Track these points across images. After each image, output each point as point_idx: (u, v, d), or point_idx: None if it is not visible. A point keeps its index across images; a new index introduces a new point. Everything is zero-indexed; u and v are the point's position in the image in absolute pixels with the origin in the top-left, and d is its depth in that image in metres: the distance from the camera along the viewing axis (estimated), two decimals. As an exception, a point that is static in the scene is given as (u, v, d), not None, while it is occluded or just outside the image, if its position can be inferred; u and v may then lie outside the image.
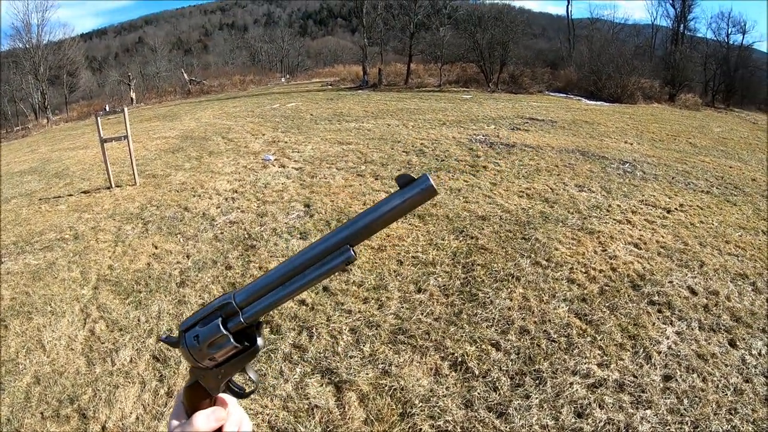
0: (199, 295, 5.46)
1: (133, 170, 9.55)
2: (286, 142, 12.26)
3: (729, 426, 3.35)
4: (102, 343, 4.82)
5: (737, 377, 3.77)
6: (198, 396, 0.82)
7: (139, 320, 5.11)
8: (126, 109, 10.01)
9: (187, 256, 6.37)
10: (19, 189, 10.68)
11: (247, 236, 6.81)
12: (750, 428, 3.35)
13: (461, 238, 6.21)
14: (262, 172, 9.79)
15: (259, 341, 0.79)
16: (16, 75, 34.76)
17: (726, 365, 3.90)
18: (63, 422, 3.95)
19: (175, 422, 0.82)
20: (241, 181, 9.32)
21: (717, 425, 3.35)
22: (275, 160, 10.58)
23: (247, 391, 0.89)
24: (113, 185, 9.41)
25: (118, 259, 6.43)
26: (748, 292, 4.96)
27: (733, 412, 3.46)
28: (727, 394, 3.61)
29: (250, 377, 0.84)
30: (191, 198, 8.48)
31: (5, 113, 35.32)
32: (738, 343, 4.17)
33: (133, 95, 33.49)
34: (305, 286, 0.73)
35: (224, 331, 0.75)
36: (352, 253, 0.70)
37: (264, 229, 7.01)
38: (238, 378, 0.88)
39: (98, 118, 9.71)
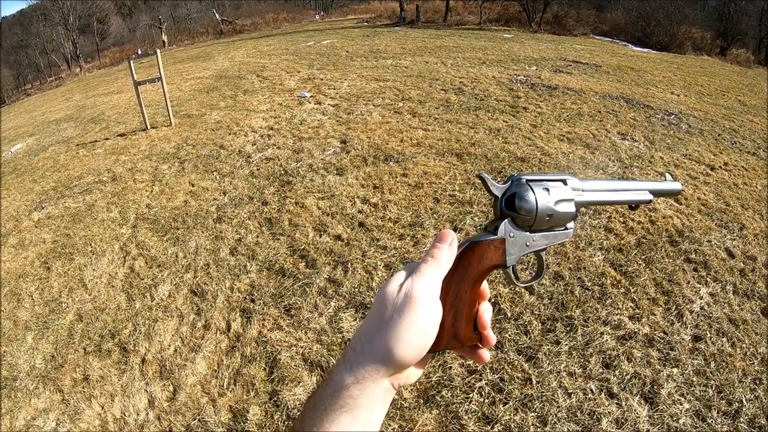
0: (236, 231, 5.40)
1: (168, 111, 9.47)
2: (321, 79, 11.96)
3: (752, 395, 3.22)
4: (141, 280, 4.84)
5: (765, 347, 3.62)
6: (479, 259, 0.72)
7: (177, 256, 5.11)
8: (158, 51, 9.81)
9: (224, 193, 6.31)
10: (56, 136, 10.80)
11: (283, 172, 6.69)
12: (771, 401, 3.24)
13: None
14: (298, 109, 9.59)
15: (572, 228, 0.79)
16: (45, 27, 35.07)
17: (756, 334, 3.72)
18: (105, 356, 4.02)
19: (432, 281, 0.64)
20: (276, 118, 9.15)
21: (740, 393, 3.22)
22: (311, 97, 10.34)
23: (524, 280, 0.80)
24: (149, 127, 9.38)
25: (156, 198, 6.42)
26: (786, 263, 4.68)
27: (757, 382, 3.33)
28: (754, 363, 3.46)
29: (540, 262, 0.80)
30: (227, 136, 8.38)
31: (38, 65, 35.83)
32: (771, 313, 4.00)
33: (165, 38, 33.32)
34: (619, 202, 0.86)
35: (572, 196, 0.77)
36: (653, 197, 0.87)
37: (300, 165, 6.87)
38: None
39: (131, 61, 9.62)
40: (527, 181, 0.74)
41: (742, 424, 3.03)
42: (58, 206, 6.69)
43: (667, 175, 0.90)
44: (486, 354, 0.71)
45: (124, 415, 3.53)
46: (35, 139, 11.17)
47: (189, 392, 3.62)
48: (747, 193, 5.84)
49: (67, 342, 4.23)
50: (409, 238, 4.96)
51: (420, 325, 0.60)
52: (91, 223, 6.04)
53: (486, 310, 0.71)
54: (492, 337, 0.70)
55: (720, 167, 6.53)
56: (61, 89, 22.32)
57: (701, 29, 24.77)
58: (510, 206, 0.72)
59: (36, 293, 4.91)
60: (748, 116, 9.41)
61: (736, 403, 3.15)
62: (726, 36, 24.71)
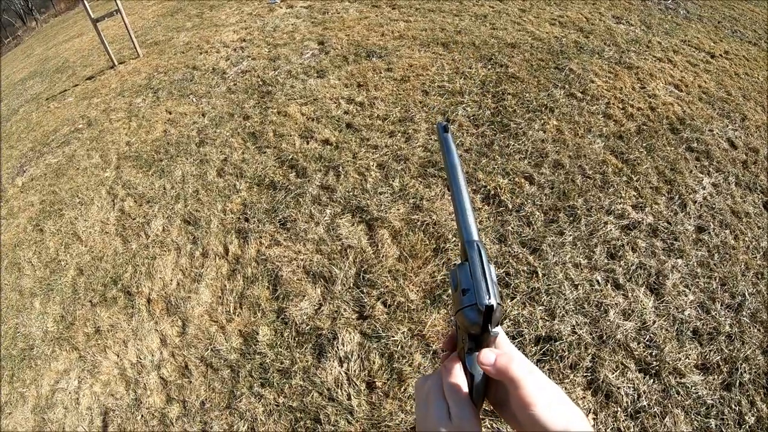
0: (220, 151, 5.13)
1: (133, 43, 8.89)
2: (291, -19, 11.15)
3: (754, 290, 3.17)
4: (133, 219, 4.66)
5: (767, 242, 3.48)
6: None
7: (164, 188, 4.89)
8: (112, -18, 9.08)
9: (203, 115, 5.97)
10: (24, 96, 10.21)
11: (261, 83, 6.30)
12: (773, 296, 3.14)
13: (489, 66, 5.62)
14: (269, 16, 8.97)
15: None
16: (-11, -14, 33.07)
17: (759, 227, 3.62)
18: (111, 304, 3.93)
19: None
20: (248, 29, 8.57)
21: (743, 287, 3.17)
22: (282, 2, 9.65)
23: None
24: (116, 63, 8.84)
25: (135, 134, 6.10)
26: (789, 158, 4.42)
27: (759, 276, 3.26)
28: (756, 258, 3.38)
29: None
30: (198, 56, 7.87)
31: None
32: (773, 208, 3.81)
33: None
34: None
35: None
36: None
37: (278, 73, 6.46)
38: None
39: (85, 0, 8.95)
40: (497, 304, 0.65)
41: (745, 318, 3.00)
42: (39, 166, 6.41)
43: None
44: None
45: (140, 358, 3.48)
46: (3, 104, 10.60)
47: (198, 323, 3.52)
48: (749, 83, 5.48)
49: (72, 299, 4.12)
50: (400, 134, 4.71)
51: None
52: (74, 174, 5.78)
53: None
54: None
55: (720, 55, 6.09)
56: (20, 47, 21.06)
57: None
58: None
59: (34, 258, 4.76)
60: (749, 5, 8.67)
61: (739, 297, 3.12)
62: None
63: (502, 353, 0.64)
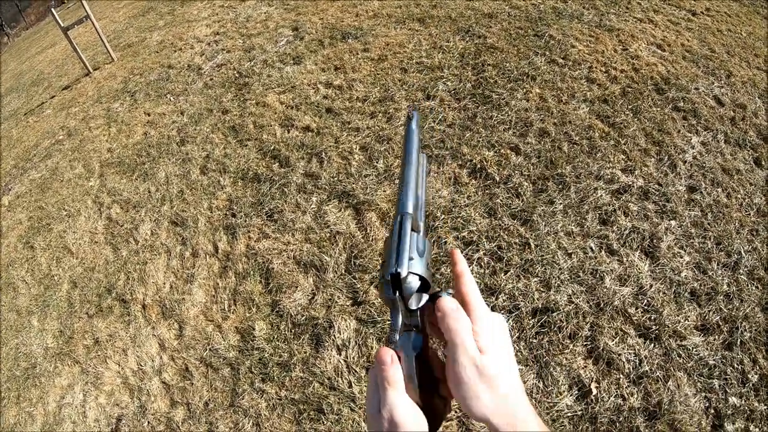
0: (202, 148, 5.09)
1: (106, 48, 8.76)
2: (259, -32, 10.96)
3: (750, 247, 3.14)
4: (121, 226, 4.63)
5: (761, 198, 3.46)
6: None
7: (149, 192, 4.85)
8: (79, -11, 8.90)
9: (182, 113, 5.91)
10: (2, 114, 9.99)
11: (237, 75, 6.23)
12: (769, 252, 3.13)
13: (468, 39, 5.53)
14: (241, 6, 8.83)
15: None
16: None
17: (750, 184, 3.57)
18: (107, 314, 3.91)
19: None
20: (220, 21, 8.45)
21: (739, 245, 3.14)
22: (252, -10, 9.50)
23: None
24: (91, 70, 8.71)
25: (115, 140, 6.02)
26: (776, 112, 4.33)
27: (754, 233, 3.23)
28: (750, 214, 3.34)
29: None
30: (173, 54, 7.76)
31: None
32: (763, 163, 3.73)
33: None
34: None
35: (421, 240, 0.67)
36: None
37: (254, 63, 6.37)
38: None
39: (53, 9, 8.77)
40: (407, 274, 0.61)
41: (742, 276, 2.96)
42: (23, 182, 6.32)
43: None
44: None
45: (141, 365, 3.47)
46: (-17, 124, 10.55)
47: (194, 324, 3.51)
48: (732, 39, 5.36)
49: (69, 313, 4.11)
50: (381, 114, 4.66)
51: None
52: (59, 187, 5.72)
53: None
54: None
55: (702, 12, 5.93)
56: (-7, 65, 21.00)
57: None
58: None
59: (28, 276, 4.71)
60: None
61: (735, 255, 3.09)
62: None
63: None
